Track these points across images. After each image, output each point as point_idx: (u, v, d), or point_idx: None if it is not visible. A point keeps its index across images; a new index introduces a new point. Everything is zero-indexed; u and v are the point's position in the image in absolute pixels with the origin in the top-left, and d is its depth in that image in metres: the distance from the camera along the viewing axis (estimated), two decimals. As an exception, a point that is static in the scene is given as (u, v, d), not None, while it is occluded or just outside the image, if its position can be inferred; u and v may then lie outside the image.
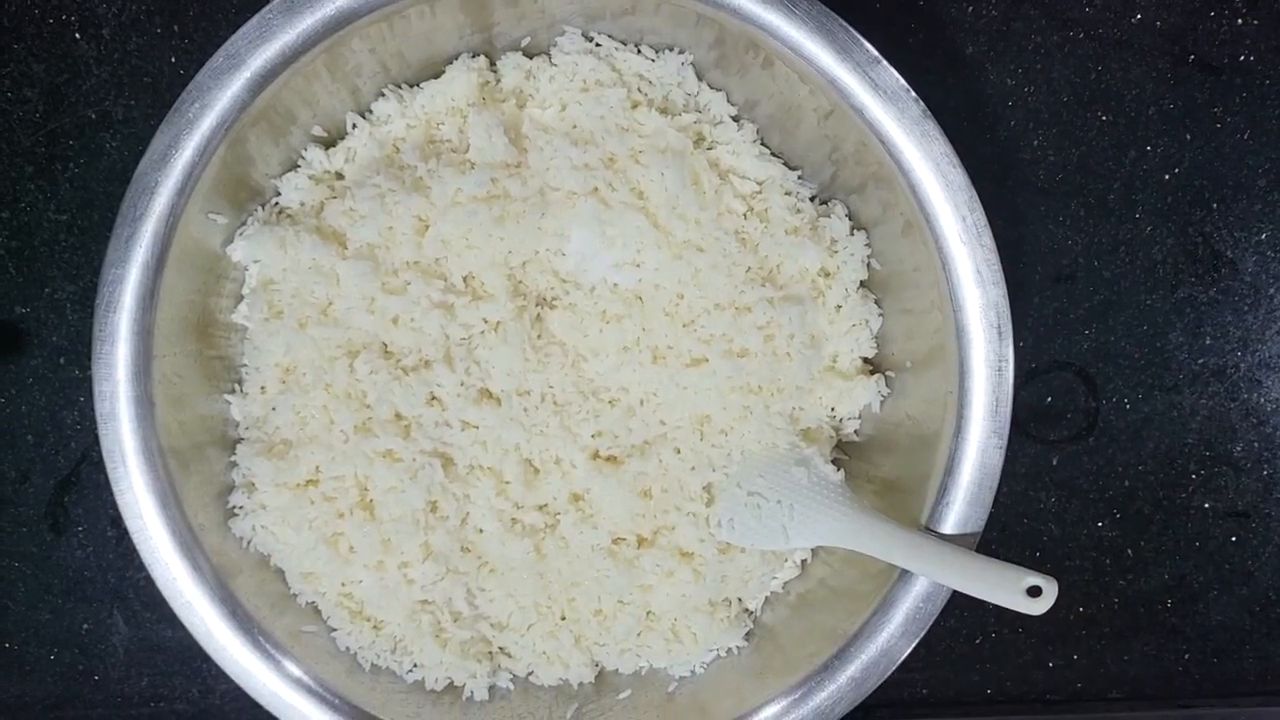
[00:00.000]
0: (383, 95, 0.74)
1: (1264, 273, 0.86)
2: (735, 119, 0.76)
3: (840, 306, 0.75)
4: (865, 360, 0.77)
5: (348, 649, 0.74)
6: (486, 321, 0.73)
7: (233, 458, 0.73)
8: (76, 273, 0.82)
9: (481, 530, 0.74)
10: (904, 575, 0.67)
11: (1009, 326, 0.65)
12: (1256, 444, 0.87)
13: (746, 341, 0.73)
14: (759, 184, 0.75)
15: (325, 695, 0.68)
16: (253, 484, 0.73)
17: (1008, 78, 0.84)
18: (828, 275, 0.75)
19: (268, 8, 0.64)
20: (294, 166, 0.75)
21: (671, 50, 0.74)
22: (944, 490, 0.67)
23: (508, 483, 0.73)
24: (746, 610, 0.78)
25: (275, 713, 0.68)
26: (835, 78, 0.65)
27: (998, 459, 0.66)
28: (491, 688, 0.76)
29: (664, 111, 0.74)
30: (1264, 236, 0.85)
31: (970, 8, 0.83)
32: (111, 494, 0.66)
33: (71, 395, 0.83)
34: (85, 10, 0.81)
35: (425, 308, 0.71)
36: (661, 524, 0.75)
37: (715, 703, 0.72)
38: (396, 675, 0.74)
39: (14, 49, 0.81)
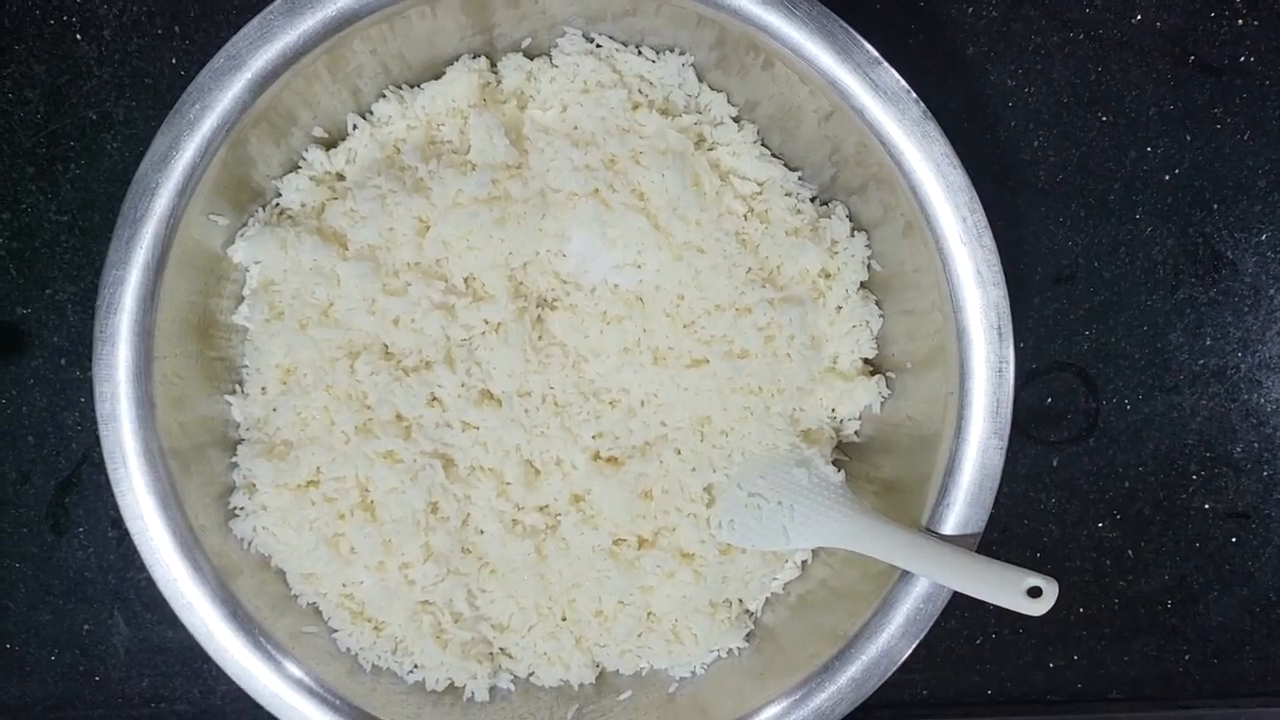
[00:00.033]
0: (384, 96, 0.74)
1: (1264, 273, 0.86)
2: (736, 120, 0.76)
3: (841, 307, 0.75)
4: (866, 361, 0.77)
5: (348, 650, 0.74)
6: (487, 322, 0.73)
7: (233, 459, 0.73)
8: (77, 274, 0.82)
9: (482, 531, 0.74)
10: (904, 576, 0.67)
11: (1009, 327, 0.65)
12: (1257, 445, 0.87)
13: (747, 342, 0.73)
14: (759, 185, 0.75)
15: (326, 696, 0.68)
16: (253, 485, 0.73)
17: (1008, 78, 0.84)
18: (828, 276, 0.75)
19: (269, 9, 0.64)
20: (295, 168, 0.75)
21: (672, 51, 0.74)
22: (944, 491, 0.67)
23: (508, 484, 0.73)
24: (747, 611, 0.78)
25: (276, 714, 0.68)
26: (836, 79, 0.65)
27: (998, 460, 0.66)
28: (492, 689, 0.76)
29: (665, 113, 0.74)
30: (1264, 237, 0.85)
31: (970, 9, 0.83)
32: (112, 495, 0.66)
33: (72, 396, 0.83)
34: (86, 11, 0.81)
35: (426, 309, 0.71)
36: (662, 525, 0.75)
37: (716, 704, 0.72)
38: (397, 676, 0.74)
39: (15, 50, 0.81)
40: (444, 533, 0.73)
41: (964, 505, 0.66)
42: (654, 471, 0.74)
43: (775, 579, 0.78)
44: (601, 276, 0.73)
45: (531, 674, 0.77)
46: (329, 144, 0.75)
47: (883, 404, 0.76)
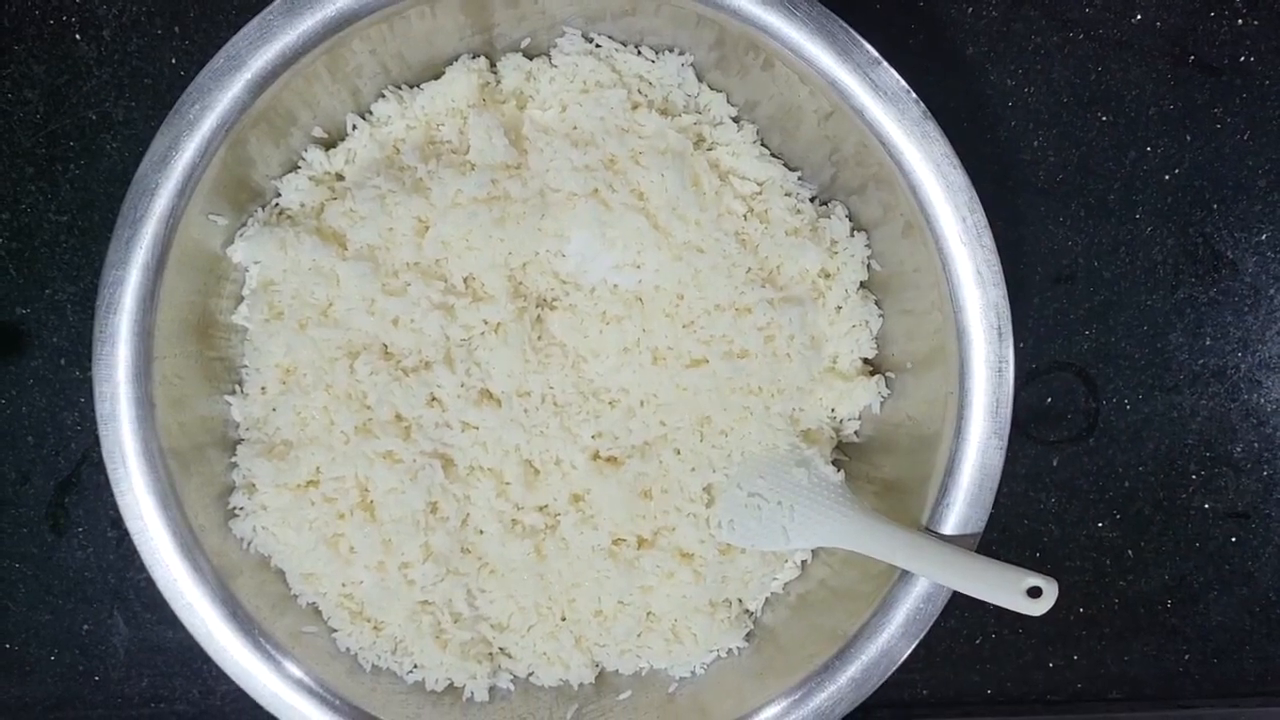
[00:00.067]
0: (383, 96, 0.74)
1: (1264, 273, 0.86)
2: (735, 120, 0.76)
3: (840, 307, 0.75)
4: (865, 361, 0.77)
5: (348, 650, 0.74)
6: (487, 323, 0.73)
7: (233, 459, 0.73)
8: (77, 274, 0.82)
9: (482, 531, 0.74)
10: (904, 576, 0.67)
11: (1009, 327, 0.65)
12: (1257, 444, 0.87)
13: (747, 342, 0.73)
14: (759, 185, 0.75)
15: (326, 696, 0.68)
16: (253, 485, 0.73)
17: (1008, 78, 0.84)
18: (828, 276, 0.75)
19: (268, 9, 0.64)
20: (294, 168, 0.75)
21: (672, 51, 0.74)
22: (944, 491, 0.67)
23: (508, 484, 0.73)
24: (747, 611, 0.78)
25: (276, 714, 0.68)
26: (835, 79, 0.65)
27: (998, 460, 0.66)
28: (492, 688, 0.76)
29: (664, 113, 0.74)
30: (1264, 237, 0.85)
31: (970, 9, 0.83)
32: (112, 495, 0.66)
33: (72, 396, 0.83)
34: (86, 12, 0.81)
35: (425, 309, 0.71)
36: (662, 525, 0.75)
37: (716, 703, 0.72)
38: (397, 676, 0.74)
39: (14, 50, 0.81)
40: (443, 533, 0.73)
41: (964, 505, 0.66)
42: (653, 471, 0.74)
43: (775, 579, 0.78)
44: (601, 276, 0.73)
45: (531, 674, 0.77)
46: (328, 144, 0.75)
47: (882, 404, 0.76)
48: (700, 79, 0.76)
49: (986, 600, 0.64)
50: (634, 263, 0.73)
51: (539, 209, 0.72)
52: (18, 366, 0.83)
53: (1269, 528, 0.87)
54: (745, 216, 0.74)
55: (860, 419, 0.78)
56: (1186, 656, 0.88)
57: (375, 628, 0.74)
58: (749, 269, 0.74)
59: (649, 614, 0.76)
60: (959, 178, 0.65)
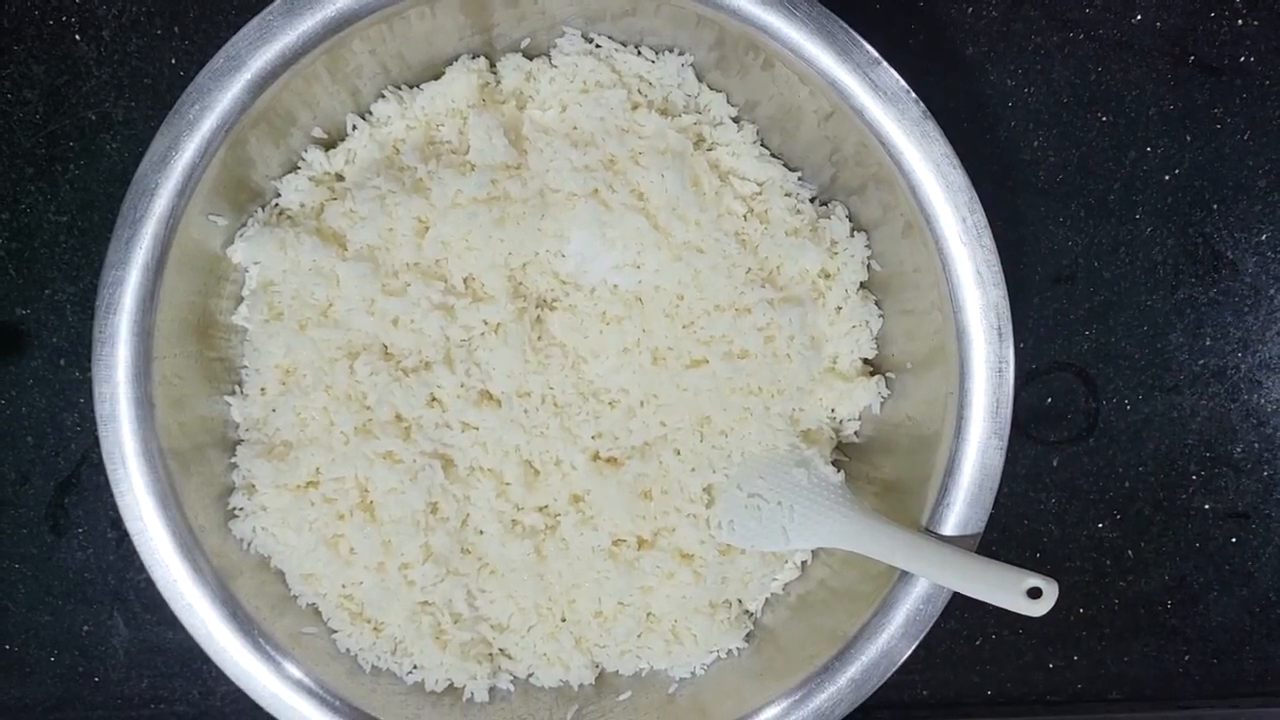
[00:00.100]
0: (383, 97, 0.74)
1: (1264, 273, 0.86)
2: (735, 120, 0.76)
3: (840, 308, 0.75)
4: (865, 361, 0.77)
5: (348, 651, 0.74)
6: (487, 323, 0.73)
7: (233, 459, 0.73)
8: (77, 274, 0.82)
9: (482, 532, 0.74)
10: (904, 577, 0.67)
11: (1009, 327, 0.65)
12: (1257, 445, 0.87)
13: (746, 343, 0.73)
14: (759, 185, 0.75)
15: (326, 697, 0.68)
16: (253, 485, 0.73)
17: (1008, 79, 0.84)
18: (828, 276, 0.75)
19: (268, 9, 0.64)
20: (294, 168, 0.75)
21: (671, 52, 0.74)
22: (944, 491, 0.67)
23: (508, 484, 0.73)
24: (747, 612, 0.78)
25: (276, 714, 0.68)
26: (835, 79, 0.65)
27: (998, 460, 0.66)
28: (492, 689, 0.76)
29: (664, 113, 0.74)
30: (1264, 237, 0.85)
31: (970, 9, 0.83)
32: (112, 495, 0.66)
33: (72, 397, 0.83)
34: (85, 12, 0.81)
35: (425, 309, 0.71)
36: (662, 525, 0.75)
37: (716, 704, 0.72)
38: (397, 677, 0.74)
39: (14, 50, 0.81)
40: (443, 533, 0.73)
41: (964, 505, 0.66)
42: (653, 472, 0.74)
43: (775, 579, 0.78)
44: (601, 277, 0.73)
45: (531, 674, 0.77)
46: (328, 144, 0.75)
47: (882, 404, 0.76)
48: (700, 79, 0.76)
49: (986, 601, 0.64)
50: (634, 263, 0.73)
51: (539, 209, 0.72)
52: (17, 367, 0.83)
53: (1269, 528, 0.87)
54: (745, 217, 0.74)
55: (860, 419, 0.78)
56: (1186, 657, 0.88)
57: (375, 628, 0.74)
58: (749, 269, 0.74)
59: (649, 615, 0.76)
60: (959, 178, 0.65)
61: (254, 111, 0.66)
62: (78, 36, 0.81)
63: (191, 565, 0.67)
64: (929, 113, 0.65)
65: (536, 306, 0.74)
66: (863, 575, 0.71)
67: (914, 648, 0.67)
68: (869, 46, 0.65)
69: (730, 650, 0.77)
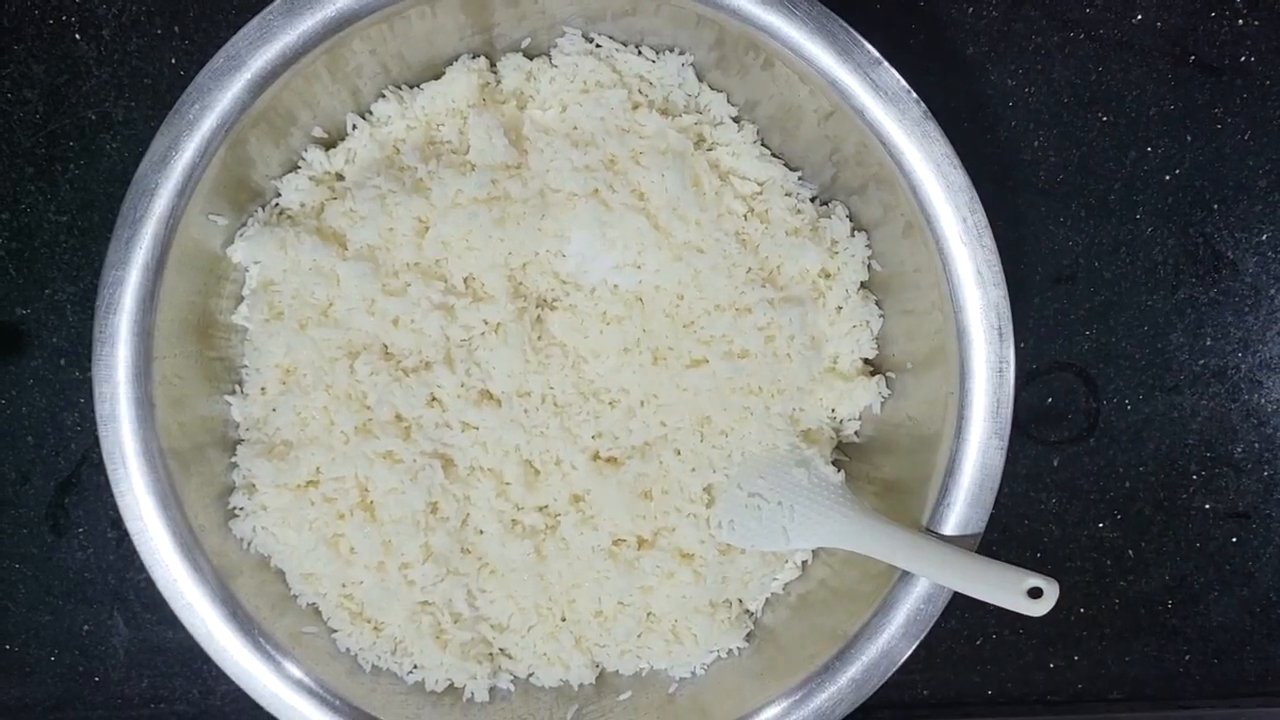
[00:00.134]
0: (383, 96, 0.74)
1: (1265, 273, 0.86)
2: (736, 120, 0.76)
3: (841, 307, 0.75)
4: (866, 361, 0.77)
5: (348, 650, 0.74)
6: (487, 323, 0.73)
7: (233, 459, 0.73)
8: (77, 274, 0.82)
9: (482, 531, 0.74)
10: (905, 576, 0.67)
11: (1010, 327, 0.65)
12: (1257, 445, 0.87)
13: (747, 343, 0.73)
14: (759, 185, 0.75)
15: (326, 696, 0.68)
16: (253, 485, 0.73)
17: (1008, 79, 0.84)
18: (828, 276, 0.75)
19: (268, 9, 0.64)
20: (294, 168, 0.75)
21: (672, 51, 0.74)
22: (945, 491, 0.67)
23: (508, 484, 0.73)
24: (747, 611, 0.78)
25: (276, 714, 0.68)
26: (836, 79, 0.65)
27: (998, 460, 0.66)
28: (492, 689, 0.76)
29: (664, 113, 0.74)
30: (1265, 237, 0.85)
31: (971, 9, 0.83)
32: (112, 495, 0.66)
33: (72, 397, 0.83)
34: (85, 11, 0.81)
35: (425, 309, 0.71)
36: (662, 525, 0.74)
37: (716, 704, 0.72)
38: (397, 676, 0.74)
39: (14, 50, 0.81)
40: (443, 533, 0.73)
41: (964, 505, 0.66)
42: (654, 472, 0.74)
43: (775, 579, 0.78)
44: (601, 277, 0.73)
45: (531, 674, 0.77)
46: (328, 144, 0.75)
47: (883, 404, 0.76)
48: (700, 79, 0.76)
49: (987, 601, 0.64)
50: (634, 263, 0.72)
51: (539, 209, 0.72)
52: (17, 367, 0.83)
53: (1269, 528, 0.87)
54: (745, 216, 0.74)
55: (860, 419, 0.78)
56: (1187, 657, 0.88)
57: (375, 628, 0.74)
58: (749, 269, 0.73)
59: (649, 614, 0.76)
60: (959, 178, 0.65)
61: (254, 111, 0.66)
62: (78, 36, 0.81)
63: (191, 565, 0.67)
64: (929, 113, 0.65)
65: (537, 306, 0.74)
66: (863, 575, 0.71)
67: (914, 647, 0.67)
68: (869, 46, 0.65)
69: (730, 650, 0.77)
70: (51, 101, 0.81)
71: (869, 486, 0.75)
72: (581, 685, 0.77)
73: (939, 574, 0.65)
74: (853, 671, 0.67)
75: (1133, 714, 0.87)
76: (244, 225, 0.73)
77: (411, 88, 0.75)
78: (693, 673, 0.77)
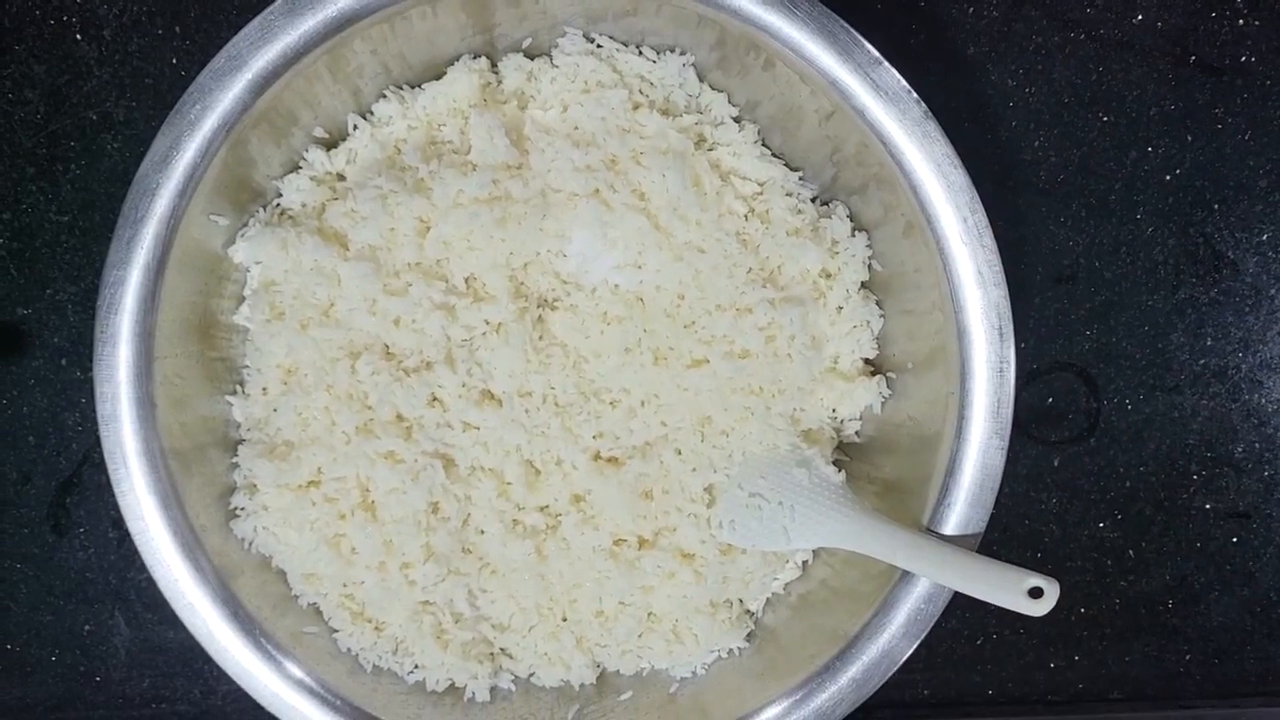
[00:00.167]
0: (384, 96, 0.74)
1: (1265, 273, 0.86)
2: (736, 120, 0.76)
3: (841, 308, 0.75)
4: (866, 361, 0.77)
5: (349, 650, 0.74)
6: (488, 323, 0.73)
7: (234, 459, 0.73)
8: (78, 274, 0.82)
9: (483, 531, 0.74)
10: (905, 576, 0.67)
11: (1010, 328, 0.65)
12: (1258, 445, 0.87)
13: (747, 343, 0.73)
14: (760, 185, 0.75)
15: (327, 696, 0.68)
16: (254, 485, 0.73)
17: (1009, 79, 0.84)
18: (829, 276, 0.75)
19: (269, 9, 0.64)
20: (295, 168, 0.75)
21: (673, 51, 0.74)
22: (945, 491, 0.67)
23: (509, 484, 0.73)
24: (748, 611, 0.78)
25: (277, 714, 0.68)
26: (836, 79, 0.65)
27: (999, 460, 0.66)
28: (493, 689, 0.76)
29: (665, 113, 0.74)
30: (1265, 237, 0.85)
31: (971, 9, 0.83)
32: (113, 495, 0.66)
33: (73, 396, 0.83)
34: (86, 11, 0.81)
35: (427, 309, 0.71)
36: (663, 525, 0.75)
37: (717, 704, 0.72)
38: (398, 676, 0.74)
39: (15, 50, 0.81)
40: (445, 533, 0.73)
41: (965, 505, 0.66)
42: (654, 472, 0.74)
43: (776, 579, 0.78)
44: (602, 277, 0.73)
45: (532, 674, 0.77)
46: (330, 144, 0.75)
47: (883, 404, 0.76)
48: (701, 79, 0.76)
49: (988, 601, 0.64)
50: (635, 263, 0.73)
51: (540, 209, 0.72)
52: (19, 367, 0.83)
53: (1270, 528, 0.87)
54: (746, 217, 0.74)
55: (861, 419, 0.78)
56: (1188, 657, 0.88)
57: (376, 628, 0.74)
58: (750, 269, 0.74)
59: (650, 614, 0.76)
60: (960, 178, 0.65)
61: (255, 111, 0.66)
62: (79, 36, 0.81)
63: (193, 565, 0.67)
64: (930, 113, 0.65)
65: (538, 306, 0.74)
66: (864, 575, 0.71)
67: (915, 647, 0.67)
68: (870, 46, 0.65)
69: (731, 650, 0.77)
70: (53, 101, 0.81)
71: (870, 486, 0.75)
72: (582, 685, 0.77)
73: (939, 574, 0.65)
74: (853, 671, 0.67)
75: (1133, 714, 0.87)
76: (245, 225, 0.73)
77: (413, 88, 0.75)
78: (693, 673, 0.77)
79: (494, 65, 0.76)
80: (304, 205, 0.74)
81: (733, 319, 0.73)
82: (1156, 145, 0.84)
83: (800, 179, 0.76)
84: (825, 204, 0.77)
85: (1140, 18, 0.84)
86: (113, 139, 0.82)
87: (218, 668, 0.68)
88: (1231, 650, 0.88)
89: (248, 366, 0.74)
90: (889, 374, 0.76)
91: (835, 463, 0.75)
